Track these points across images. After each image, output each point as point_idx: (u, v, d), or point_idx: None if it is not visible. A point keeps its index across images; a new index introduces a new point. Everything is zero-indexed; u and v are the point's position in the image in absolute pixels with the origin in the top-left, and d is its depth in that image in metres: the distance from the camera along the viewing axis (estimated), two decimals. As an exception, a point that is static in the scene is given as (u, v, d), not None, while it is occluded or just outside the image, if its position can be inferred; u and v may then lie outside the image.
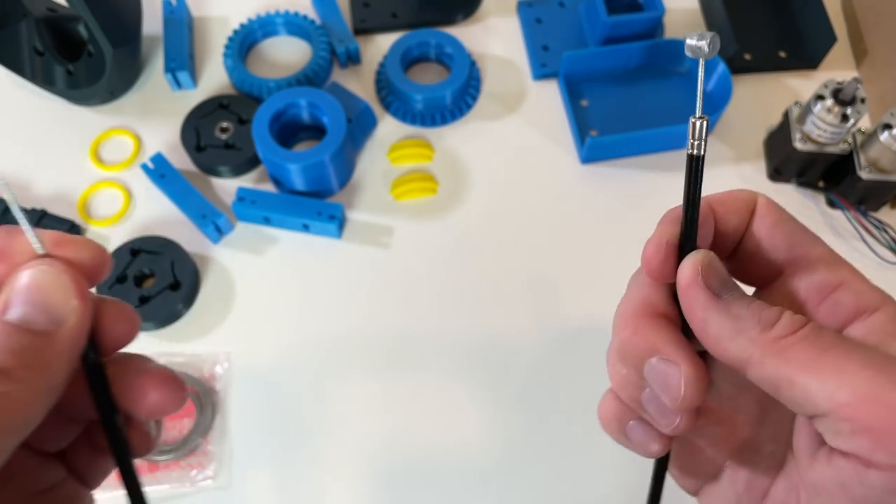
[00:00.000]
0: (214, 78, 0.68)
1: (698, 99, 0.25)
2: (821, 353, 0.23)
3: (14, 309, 0.22)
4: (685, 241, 0.27)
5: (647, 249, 0.27)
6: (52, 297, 0.23)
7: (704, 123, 0.26)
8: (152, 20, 0.68)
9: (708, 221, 0.27)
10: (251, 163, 0.63)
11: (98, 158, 0.65)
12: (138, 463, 0.51)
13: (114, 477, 0.27)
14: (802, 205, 0.63)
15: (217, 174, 0.64)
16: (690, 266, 0.26)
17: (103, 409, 0.25)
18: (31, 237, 0.23)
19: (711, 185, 0.73)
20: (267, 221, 0.61)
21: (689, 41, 0.25)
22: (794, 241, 0.27)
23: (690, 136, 0.26)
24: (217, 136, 0.63)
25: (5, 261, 0.23)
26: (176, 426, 0.54)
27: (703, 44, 0.24)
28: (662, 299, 0.27)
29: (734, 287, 0.26)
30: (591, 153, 0.64)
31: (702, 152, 0.26)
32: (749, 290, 0.28)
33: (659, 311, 0.27)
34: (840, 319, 0.25)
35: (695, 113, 0.26)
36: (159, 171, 0.62)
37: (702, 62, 0.25)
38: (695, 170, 0.26)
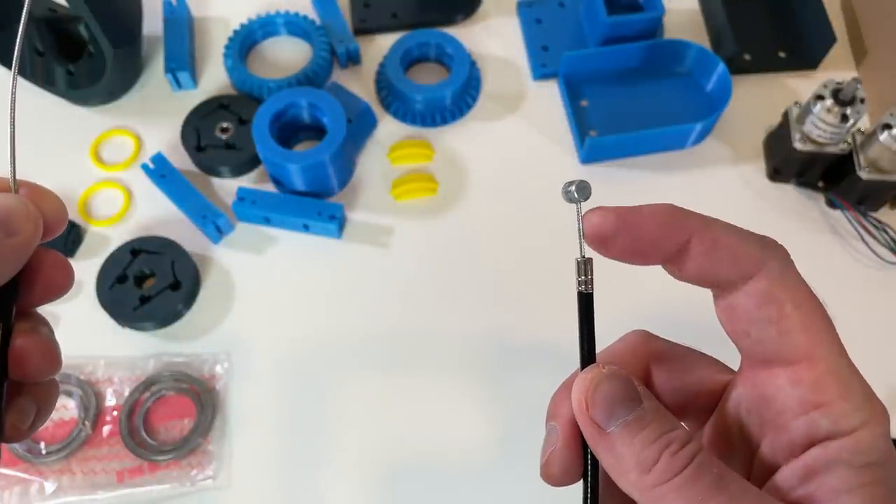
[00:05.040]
0: (215, 78, 0.68)
1: (580, 239, 0.26)
2: None
3: None
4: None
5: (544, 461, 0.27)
6: (14, 215, 0.26)
7: (589, 264, 0.27)
8: (152, 20, 0.68)
9: None
10: (251, 163, 0.63)
11: (98, 158, 0.65)
12: (138, 464, 0.51)
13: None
14: (802, 205, 0.63)
15: (217, 174, 0.64)
16: (576, 401, 0.26)
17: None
18: (10, 181, 0.28)
19: (712, 186, 0.73)
20: (267, 221, 0.61)
21: (562, 189, 0.27)
22: (700, 374, 0.28)
23: (577, 275, 0.27)
24: (217, 136, 0.63)
25: None
26: (176, 426, 0.54)
27: (572, 189, 0.26)
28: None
29: (628, 408, 0.25)
30: (591, 153, 0.64)
31: (590, 290, 0.27)
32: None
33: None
34: (817, 438, 0.25)
35: (581, 248, 0.26)
36: (159, 171, 0.62)
37: (577, 208, 0.27)
38: (586, 307, 0.27)
